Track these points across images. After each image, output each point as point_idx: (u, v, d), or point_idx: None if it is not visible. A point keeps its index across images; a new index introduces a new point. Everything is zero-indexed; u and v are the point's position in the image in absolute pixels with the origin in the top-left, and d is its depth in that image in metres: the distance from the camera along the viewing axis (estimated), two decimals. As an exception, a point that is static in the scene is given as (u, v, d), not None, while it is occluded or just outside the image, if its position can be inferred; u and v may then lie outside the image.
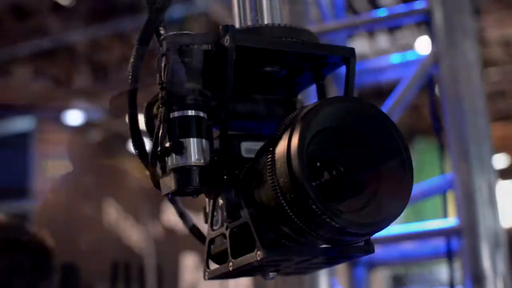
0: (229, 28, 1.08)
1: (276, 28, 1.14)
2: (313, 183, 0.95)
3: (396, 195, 0.99)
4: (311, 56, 1.13)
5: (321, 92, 1.17)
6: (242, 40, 1.08)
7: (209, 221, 1.15)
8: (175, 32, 1.13)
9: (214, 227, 1.14)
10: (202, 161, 1.06)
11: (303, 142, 0.96)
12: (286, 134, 0.98)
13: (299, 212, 0.96)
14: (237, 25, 1.22)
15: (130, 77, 1.15)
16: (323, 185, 1.03)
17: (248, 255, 1.03)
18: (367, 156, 1.03)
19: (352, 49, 1.13)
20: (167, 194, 1.08)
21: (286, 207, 0.97)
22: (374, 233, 1.00)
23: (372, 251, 1.07)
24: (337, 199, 1.02)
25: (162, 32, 1.16)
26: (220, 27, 1.10)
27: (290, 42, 1.11)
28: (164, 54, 1.11)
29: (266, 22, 1.21)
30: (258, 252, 1.01)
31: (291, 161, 0.95)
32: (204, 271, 1.13)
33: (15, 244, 1.78)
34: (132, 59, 1.15)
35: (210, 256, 1.14)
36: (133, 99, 1.16)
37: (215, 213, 1.14)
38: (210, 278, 1.10)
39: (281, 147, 0.98)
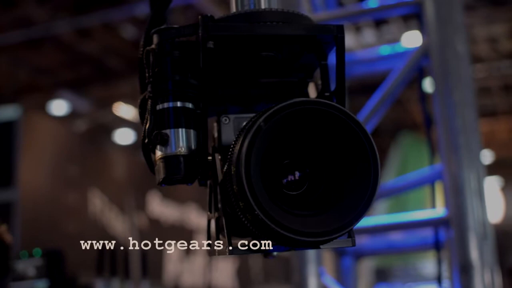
0: (205, 19, 1.09)
1: (264, 13, 1.13)
2: (262, 190, 0.94)
3: (352, 208, 0.98)
4: (297, 38, 1.12)
5: (324, 72, 1.15)
6: (217, 29, 1.09)
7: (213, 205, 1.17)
8: (162, 27, 1.14)
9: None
10: (182, 150, 1.09)
11: (250, 151, 0.95)
12: (239, 139, 0.98)
13: (252, 219, 0.96)
14: (233, 10, 1.22)
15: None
16: (291, 184, 1.02)
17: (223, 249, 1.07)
18: (334, 160, 1.01)
19: (340, 26, 1.10)
20: (159, 183, 1.10)
21: (240, 214, 0.98)
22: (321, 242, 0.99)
23: (352, 244, 1.06)
24: (302, 199, 1.01)
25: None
26: (199, 17, 1.10)
27: (268, 27, 1.10)
28: (151, 49, 1.13)
29: (263, 7, 1.20)
30: (229, 248, 1.04)
31: (239, 169, 0.95)
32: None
33: None
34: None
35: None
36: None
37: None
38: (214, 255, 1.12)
39: (235, 153, 0.97)
